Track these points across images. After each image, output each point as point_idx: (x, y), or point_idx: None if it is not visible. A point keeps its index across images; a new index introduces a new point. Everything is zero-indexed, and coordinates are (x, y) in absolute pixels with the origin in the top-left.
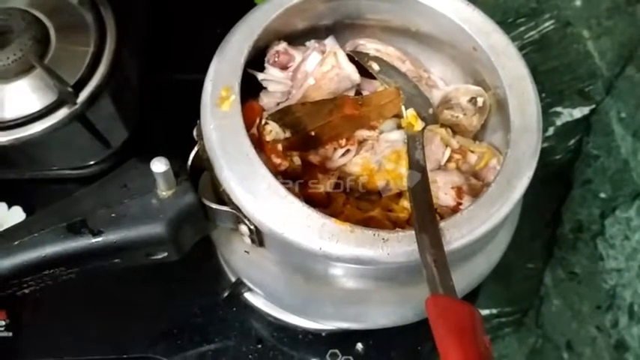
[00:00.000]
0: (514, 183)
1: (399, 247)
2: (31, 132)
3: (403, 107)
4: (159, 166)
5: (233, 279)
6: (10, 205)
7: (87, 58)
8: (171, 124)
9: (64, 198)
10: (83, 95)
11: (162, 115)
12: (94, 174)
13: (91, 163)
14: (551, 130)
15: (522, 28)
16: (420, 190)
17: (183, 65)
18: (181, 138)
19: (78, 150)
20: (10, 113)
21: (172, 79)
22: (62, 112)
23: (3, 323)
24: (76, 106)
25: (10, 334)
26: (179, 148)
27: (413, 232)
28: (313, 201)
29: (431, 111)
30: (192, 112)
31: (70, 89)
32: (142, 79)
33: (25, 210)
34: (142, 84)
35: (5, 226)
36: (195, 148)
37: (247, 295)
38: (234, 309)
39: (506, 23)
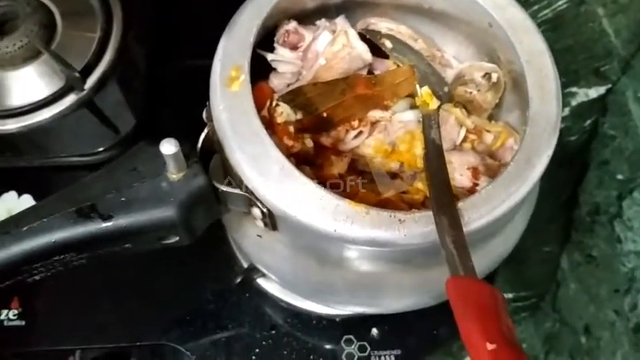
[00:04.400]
0: (533, 161)
1: (416, 228)
2: (39, 119)
3: (417, 86)
4: (168, 147)
5: (245, 264)
6: (20, 194)
7: (93, 43)
8: (180, 109)
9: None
10: (91, 81)
11: (171, 99)
12: (102, 160)
13: (100, 149)
14: (566, 111)
15: (536, 7)
16: (437, 169)
17: (191, 49)
18: (190, 122)
19: (86, 137)
20: (18, 100)
21: (180, 63)
22: (70, 99)
23: (15, 312)
24: (84, 92)
25: (23, 322)
26: (188, 133)
27: (430, 212)
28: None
29: (446, 89)
30: (200, 96)
31: (77, 75)
32: (149, 63)
33: (35, 198)
34: (150, 69)
35: None
36: (205, 130)
37: (260, 281)
38: (247, 295)
39: (520, 2)
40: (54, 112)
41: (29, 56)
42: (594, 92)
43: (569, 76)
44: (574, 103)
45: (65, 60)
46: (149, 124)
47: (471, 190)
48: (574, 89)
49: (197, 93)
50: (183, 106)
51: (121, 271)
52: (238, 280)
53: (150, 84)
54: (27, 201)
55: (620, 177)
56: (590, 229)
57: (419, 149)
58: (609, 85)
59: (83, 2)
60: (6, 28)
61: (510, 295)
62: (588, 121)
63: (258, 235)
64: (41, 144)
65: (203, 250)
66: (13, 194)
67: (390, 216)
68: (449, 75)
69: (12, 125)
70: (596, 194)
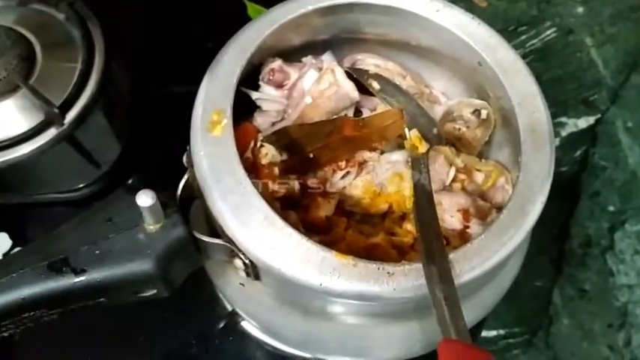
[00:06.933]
0: (527, 209)
1: (406, 281)
2: (17, 154)
3: (406, 128)
4: (145, 199)
5: (230, 308)
6: None
7: (75, 75)
8: (163, 143)
9: (52, 222)
10: (71, 115)
11: (153, 134)
12: (83, 197)
13: (81, 185)
14: (556, 142)
15: (524, 37)
16: (427, 218)
17: (176, 79)
18: (173, 157)
19: (67, 172)
20: None
21: (164, 95)
22: (49, 133)
23: None
24: (64, 127)
25: None
26: (171, 170)
27: (420, 264)
28: (314, 226)
29: (435, 131)
30: (183, 130)
31: (56, 110)
32: (132, 96)
33: (11, 236)
34: (132, 101)
35: None
36: (185, 177)
37: (244, 324)
38: (231, 338)
39: (508, 32)
40: (33, 147)
41: (8, 90)
42: (584, 122)
43: (558, 106)
44: (564, 133)
45: (43, 95)
46: (132, 158)
47: (462, 233)
48: (563, 119)
49: (180, 126)
50: (166, 138)
51: (101, 314)
52: (222, 324)
53: (132, 116)
54: (3, 239)
55: (611, 208)
56: (582, 263)
57: (407, 191)
58: (598, 115)
59: (64, 33)
60: None
61: (502, 332)
62: (578, 152)
63: (240, 284)
64: (20, 181)
65: (185, 291)
66: None
67: (379, 269)
68: (437, 111)
69: None
70: (588, 226)
